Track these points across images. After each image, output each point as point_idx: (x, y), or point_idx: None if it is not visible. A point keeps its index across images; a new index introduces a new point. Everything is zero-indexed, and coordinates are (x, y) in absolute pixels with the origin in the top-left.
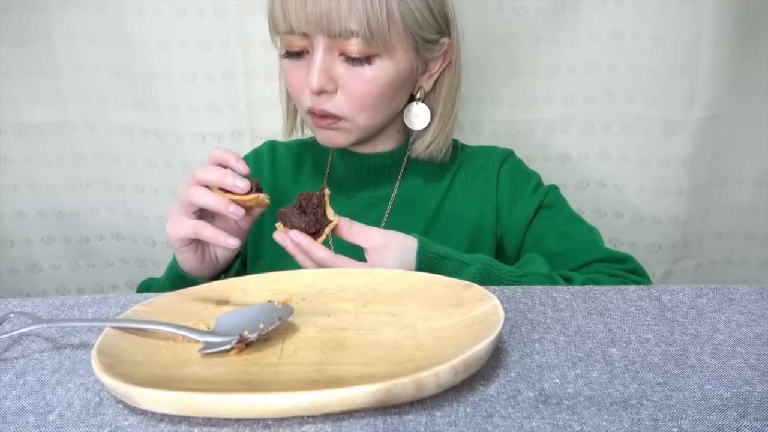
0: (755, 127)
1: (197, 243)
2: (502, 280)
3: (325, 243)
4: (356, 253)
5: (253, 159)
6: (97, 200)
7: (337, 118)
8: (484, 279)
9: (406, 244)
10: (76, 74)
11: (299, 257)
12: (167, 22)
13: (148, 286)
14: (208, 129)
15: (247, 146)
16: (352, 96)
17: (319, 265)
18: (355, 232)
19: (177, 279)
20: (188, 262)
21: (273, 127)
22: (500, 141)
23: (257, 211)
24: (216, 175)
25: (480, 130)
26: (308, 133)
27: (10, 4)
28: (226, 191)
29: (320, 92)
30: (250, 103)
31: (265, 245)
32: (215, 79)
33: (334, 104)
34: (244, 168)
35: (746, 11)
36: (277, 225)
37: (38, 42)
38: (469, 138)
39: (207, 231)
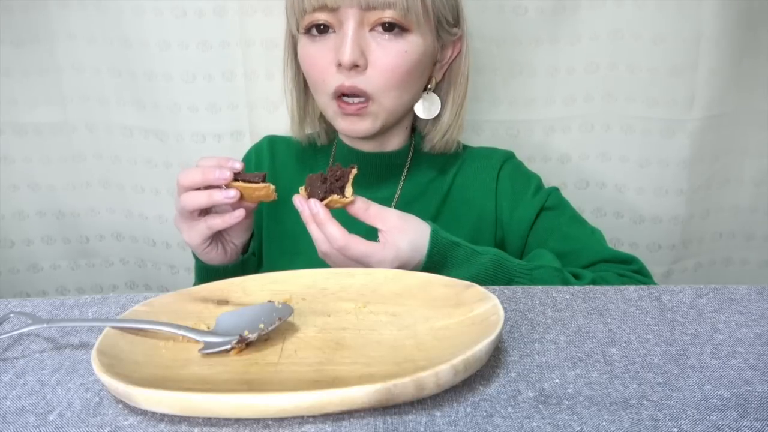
0: (755, 127)
1: (216, 240)
2: (513, 272)
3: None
4: (366, 234)
5: (255, 155)
6: (97, 200)
7: (366, 96)
8: (495, 270)
9: (421, 228)
10: (76, 74)
11: (311, 227)
12: (167, 22)
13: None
14: (208, 129)
15: (247, 146)
16: (383, 71)
17: (329, 240)
18: (372, 213)
19: (201, 270)
20: (214, 259)
21: (273, 127)
22: (500, 141)
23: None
24: (198, 176)
25: (480, 130)
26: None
27: (10, 4)
28: (245, 184)
29: (352, 67)
30: (250, 103)
31: (284, 231)
32: (215, 79)
33: (365, 80)
34: (233, 165)
35: (746, 11)
36: (300, 189)
37: (38, 42)
38: (469, 138)
39: (216, 221)
